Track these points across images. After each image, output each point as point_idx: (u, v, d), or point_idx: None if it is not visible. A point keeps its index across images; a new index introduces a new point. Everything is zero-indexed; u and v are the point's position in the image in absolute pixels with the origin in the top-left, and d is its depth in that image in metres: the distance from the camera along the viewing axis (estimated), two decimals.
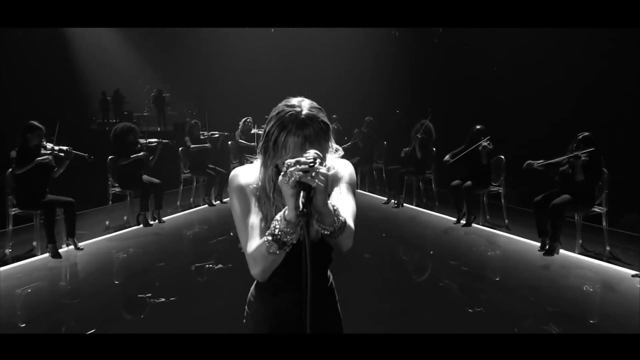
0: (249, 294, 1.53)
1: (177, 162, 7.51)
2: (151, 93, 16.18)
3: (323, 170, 1.11)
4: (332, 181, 1.36)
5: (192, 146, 7.30)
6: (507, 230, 5.88)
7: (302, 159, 1.11)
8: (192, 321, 3.48)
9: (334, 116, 9.49)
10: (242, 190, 1.35)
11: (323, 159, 1.25)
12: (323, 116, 1.31)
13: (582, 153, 4.66)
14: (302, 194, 1.06)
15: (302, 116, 1.25)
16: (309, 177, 1.07)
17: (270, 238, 1.18)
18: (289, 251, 1.24)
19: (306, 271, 1.10)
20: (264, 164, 1.34)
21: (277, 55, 14.35)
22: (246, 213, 1.33)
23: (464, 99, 9.70)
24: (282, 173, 1.11)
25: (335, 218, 1.18)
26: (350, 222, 1.29)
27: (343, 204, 1.31)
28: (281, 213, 1.18)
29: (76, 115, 12.64)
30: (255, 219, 1.31)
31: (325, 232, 1.19)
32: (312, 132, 1.24)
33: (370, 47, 11.86)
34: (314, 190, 1.07)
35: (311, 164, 1.09)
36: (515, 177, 6.48)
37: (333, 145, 1.40)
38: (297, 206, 1.07)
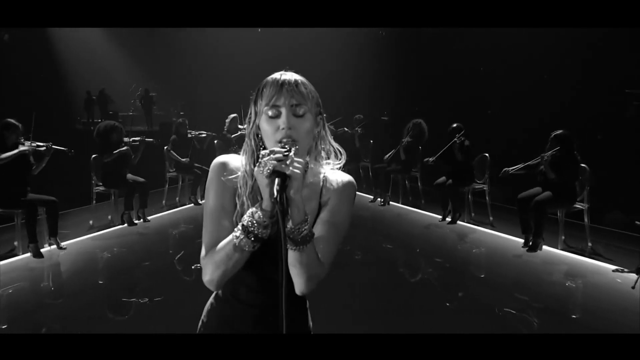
0: (209, 303, 1.41)
1: (163, 161, 7.45)
2: (137, 92, 16.01)
3: (299, 158, 1.08)
4: (328, 198, 1.27)
5: (171, 151, 7.23)
6: (491, 227, 5.95)
7: (277, 149, 1.09)
8: (177, 321, 3.44)
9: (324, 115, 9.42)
10: (219, 180, 1.25)
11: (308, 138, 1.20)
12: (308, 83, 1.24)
13: (546, 155, 4.87)
14: (277, 181, 1.05)
15: (283, 77, 1.21)
16: (284, 166, 1.05)
17: (239, 232, 1.12)
18: (256, 259, 1.17)
19: (282, 267, 1.06)
20: (247, 137, 1.25)
21: (263, 55, 14.29)
22: (217, 208, 1.24)
23: (450, 98, 9.77)
24: (257, 164, 1.09)
25: (306, 218, 1.11)
26: (325, 258, 1.18)
27: (323, 239, 1.20)
28: (257, 205, 1.12)
29: (61, 114, 12.45)
30: (225, 216, 1.23)
31: (289, 229, 1.10)
32: (292, 79, 1.20)
33: (357, 47, 11.87)
34: (289, 178, 1.06)
35: (285, 153, 1.08)
36: (499, 175, 6.55)
37: (330, 139, 1.29)
38: (271, 193, 1.05)
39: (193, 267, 4.56)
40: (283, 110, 1.18)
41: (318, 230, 1.21)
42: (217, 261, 1.18)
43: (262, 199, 1.12)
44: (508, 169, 5.31)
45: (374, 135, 8.91)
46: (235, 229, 1.14)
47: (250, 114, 1.25)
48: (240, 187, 1.24)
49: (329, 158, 1.30)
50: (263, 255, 1.19)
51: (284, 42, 13.73)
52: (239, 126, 8.28)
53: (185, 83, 15.77)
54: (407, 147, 7.02)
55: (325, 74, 12.25)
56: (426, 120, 7.33)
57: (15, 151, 4.61)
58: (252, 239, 1.12)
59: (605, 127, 6.95)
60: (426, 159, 6.40)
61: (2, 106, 9.30)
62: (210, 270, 1.20)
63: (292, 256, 1.14)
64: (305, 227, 1.11)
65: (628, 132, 6.62)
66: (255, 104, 1.23)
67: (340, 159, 1.31)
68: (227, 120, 8.38)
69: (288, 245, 1.13)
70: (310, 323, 1.43)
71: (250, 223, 1.11)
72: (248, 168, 1.24)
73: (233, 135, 8.13)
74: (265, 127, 1.20)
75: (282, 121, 1.17)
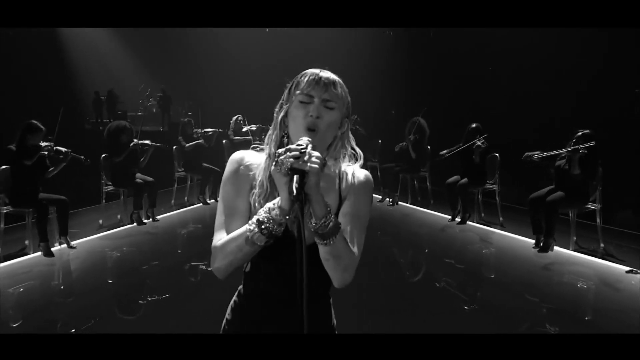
0: (232, 300, 1.41)
1: (171, 161, 7.48)
2: (145, 92, 16.11)
3: (316, 153, 1.08)
4: (347, 192, 1.29)
5: (187, 145, 7.28)
6: (501, 228, 5.89)
7: (293, 146, 1.09)
8: (185, 320, 3.45)
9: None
10: (237, 173, 1.29)
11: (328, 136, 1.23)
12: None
13: (582, 147, 4.64)
14: (295, 178, 1.04)
15: (322, 74, 1.27)
16: (301, 162, 1.05)
17: (254, 226, 1.12)
18: (280, 256, 1.20)
19: (301, 264, 1.06)
20: (275, 122, 1.29)
21: (270, 54, 14.31)
22: (232, 199, 1.27)
23: (459, 97, 9.72)
24: (274, 162, 1.09)
25: (328, 210, 1.12)
26: (355, 248, 1.21)
27: (349, 230, 1.22)
28: (275, 200, 1.13)
29: (69, 115, 12.53)
30: (239, 207, 1.26)
31: (314, 225, 1.11)
32: (330, 77, 1.26)
33: (364, 47, 11.85)
34: (307, 175, 1.05)
35: (302, 150, 1.07)
36: (509, 175, 6.50)
37: (352, 142, 1.33)
38: (290, 191, 1.04)
39: (201, 266, 4.57)
40: (315, 100, 1.23)
41: (342, 222, 1.22)
42: (227, 251, 1.19)
43: (279, 196, 1.12)
44: (531, 153, 5.06)
45: (382, 134, 8.88)
46: (250, 222, 1.15)
47: (283, 100, 1.29)
48: (258, 177, 1.27)
49: (348, 160, 1.34)
50: (287, 253, 1.18)
51: (291, 43, 13.74)
52: (244, 128, 8.32)
53: (193, 83, 15.83)
54: (415, 144, 6.99)
55: (334, 73, 12.24)
56: (434, 119, 7.29)
57: (38, 154, 4.68)
58: (266, 234, 1.12)
59: (617, 127, 6.86)
60: (442, 153, 6.29)
61: (10, 106, 9.40)
62: (219, 259, 1.22)
63: (324, 250, 1.16)
64: (330, 219, 1.12)
65: (639, 132, 6.53)
66: (290, 91, 1.27)
67: (357, 162, 1.35)
68: (232, 121, 8.42)
69: (317, 241, 1.14)
70: (334, 320, 1.43)
71: (265, 219, 1.12)
72: (272, 151, 1.27)
73: (235, 138, 8.17)
74: (295, 112, 1.24)
75: (312, 108, 1.22)
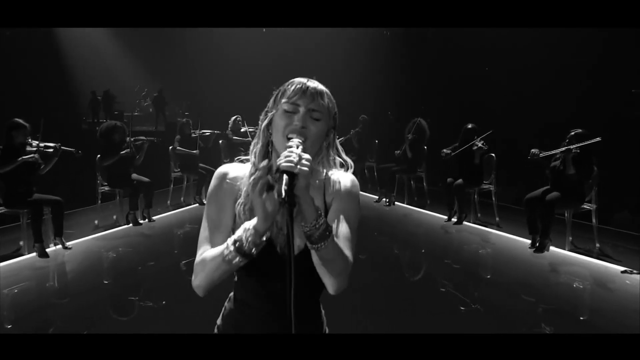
0: (224, 307, 1.41)
1: (168, 161, 7.46)
2: (142, 92, 16.09)
3: (306, 155, 1.06)
4: (332, 198, 1.28)
5: (178, 148, 7.26)
6: (498, 228, 5.90)
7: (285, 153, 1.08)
8: (181, 321, 3.43)
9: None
10: (221, 187, 1.28)
11: (308, 142, 1.19)
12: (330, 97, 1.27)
13: (575, 147, 4.65)
14: (284, 180, 1.02)
15: (309, 84, 1.24)
16: (291, 164, 1.03)
17: (231, 247, 1.12)
18: (263, 268, 1.19)
19: (290, 272, 1.05)
20: (260, 129, 1.27)
21: (268, 55, 14.30)
22: (215, 214, 1.26)
23: (455, 98, 9.73)
24: (251, 182, 1.08)
25: (319, 213, 1.10)
26: (347, 252, 1.19)
27: (339, 236, 1.20)
28: (252, 221, 1.11)
29: (66, 115, 12.50)
30: (223, 222, 1.25)
31: (305, 229, 1.10)
32: (317, 87, 1.23)
33: (361, 47, 11.85)
34: (296, 177, 1.03)
35: (292, 152, 1.06)
36: (506, 175, 6.52)
37: (342, 153, 1.31)
38: (279, 193, 1.02)
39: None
40: (301, 109, 1.21)
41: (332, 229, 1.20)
42: (207, 269, 1.19)
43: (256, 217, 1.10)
44: (537, 151, 4.97)
45: (378, 135, 8.89)
46: (227, 241, 1.14)
47: (268, 107, 1.27)
48: (243, 187, 1.25)
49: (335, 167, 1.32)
50: (270, 267, 1.19)
51: (289, 43, 13.73)
52: (242, 129, 8.32)
53: (191, 83, 15.81)
54: (413, 144, 7.00)
55: (331, 74, 12.25)
56: (431, 120, 7.29)
57: (17, 162, 4.58)
58: (242, 253, 1.11)
59: (613, 127, 6.89)
60: (447, 151, 6.19)
61: (8, 106, 9.36)
62: (199, 277, 1.21)
63: (317, 255, 1.14)
64: (322, 222, 1.10)
65: (636, 133, 6.56)
66: (275, 99, 1.26)
67: (347, 170, 1.32)
68: (230, 121, 8.41)
69: (310, 245, 1.12)
70: (326, 328, 1.41)
71: (242, 238, 1.11)
72: (257, 160, 1.26)
73: (235, 137, 8.16)
74: (279, 120, 1.22)
75: (297, 117, 1.20)
